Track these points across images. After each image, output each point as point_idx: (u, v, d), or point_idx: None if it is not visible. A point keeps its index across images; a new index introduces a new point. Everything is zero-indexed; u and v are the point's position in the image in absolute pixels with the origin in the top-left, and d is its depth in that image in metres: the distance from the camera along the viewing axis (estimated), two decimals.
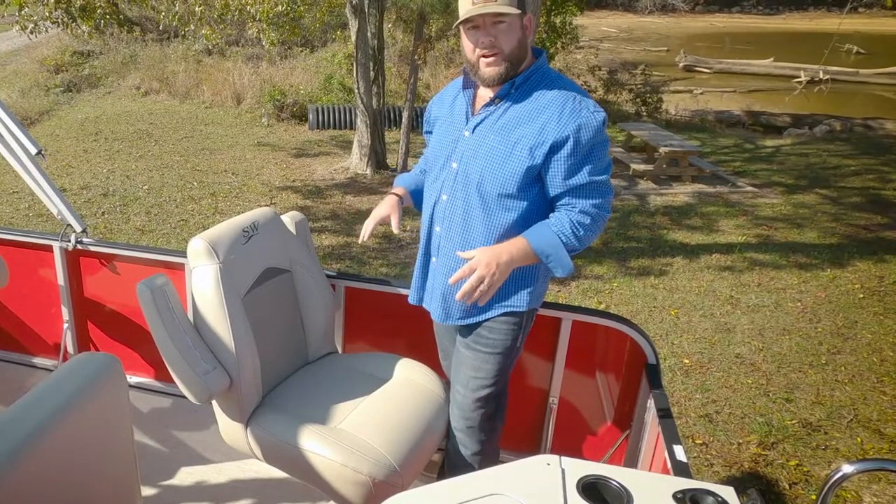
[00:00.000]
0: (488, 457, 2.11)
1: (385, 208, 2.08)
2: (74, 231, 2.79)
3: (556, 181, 1.80)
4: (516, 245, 1.81)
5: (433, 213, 1.98)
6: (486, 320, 1.95)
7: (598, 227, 1.83)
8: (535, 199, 1.85)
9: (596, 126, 1.77)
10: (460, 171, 1.88)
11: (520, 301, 1.93)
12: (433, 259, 2.02)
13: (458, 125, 1.93)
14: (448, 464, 2.18)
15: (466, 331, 2.00)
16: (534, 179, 1.81)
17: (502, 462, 1.30)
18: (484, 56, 1.78)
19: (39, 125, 10.41)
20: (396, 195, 2.12)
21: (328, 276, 2.48)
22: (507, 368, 2.02)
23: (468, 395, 2.02)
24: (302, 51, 14.45)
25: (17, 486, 1.44)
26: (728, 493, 1.17)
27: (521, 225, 1.86)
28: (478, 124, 1.87)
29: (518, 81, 1.82)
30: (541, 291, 1.99)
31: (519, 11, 1.75)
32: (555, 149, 1.76)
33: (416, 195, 2.16)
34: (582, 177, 1.78)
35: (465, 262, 1.84)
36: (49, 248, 2.86)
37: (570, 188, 1.80)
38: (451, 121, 1.97)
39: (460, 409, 2.05)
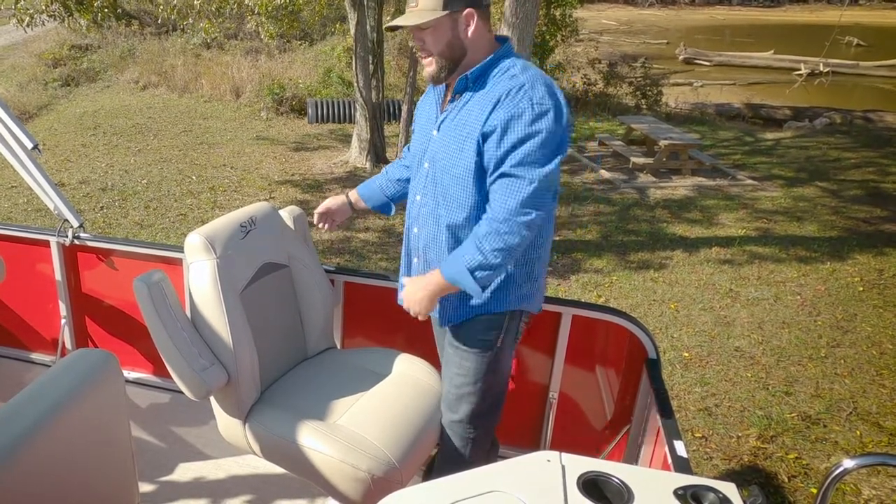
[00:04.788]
0: (479, 454, 2.08)
1: (329, 202, 2.28)
2: (71, 226, 2.78)
3: (488, 174, 1.75)
4: (432, 279, 1.81)
5: (410, 214, 1.99)
6: (467, 320, 1.93)
7: (509, 236, 1.68)
8: None
9: (532, 117, 1.65)
10: (430, 170, 1.87)
11: (495, 303, 1.88)
12: (414, 260, 2.03)
13: (430, 124, 1.92)
14: (440, 459, 2.16)
15: (453, 329, 1.99)
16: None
17: (502, 458, 1.29)
18: (422, 56, 1.80)
19: (38, 119, 10.38)
20: (347, 198, 2.29)
21: (327, 271, 2.47)
22: (492, 367, 1.96)
23: (452, 392, 2.01)
24: (301, 44, 14.40)
25: (14, 481, 1.44)
26: (729, 489, 1.17)
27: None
28: (442, 122, 1.86)
29: (474, 74, 1.78)
30: (525, 294, 1.91)
31: (443, 13, 1.71)
32: (486, 137, 1.71)
33: (371, 200, 2.29)
34: (504, 168, 1.68)
35: (437, 265, 1.89)
36: (46, 244, 2.85)
37: (491, 182, 1.73)
38: (425, 120, 1.96)
39: (447, 405, 2.05)
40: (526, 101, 1.67)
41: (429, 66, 1.80)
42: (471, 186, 1.78)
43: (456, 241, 1.86)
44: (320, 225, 2.28)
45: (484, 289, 1.80)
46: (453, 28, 1.75)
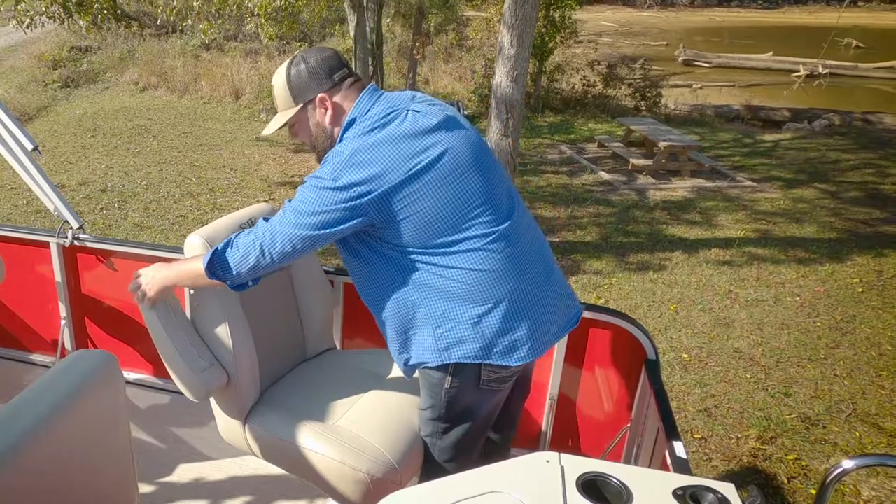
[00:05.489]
0: (459, 466, 1.98)
1: None
2: (71, 227, 2.78)
3: None
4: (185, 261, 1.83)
5: None
6: (417, 366, 1.87)
7: (248, 246, 1.70)
8: (364, 255, 1.82)
9: (312, 176, 1.67)
10: None
11: (424, 355, 1.78)
12: None
13: None
14: (423, 467, 2.12)
15: None
16: (345, 237, 1.77)
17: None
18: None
19: (37, 121, 10.38)
20: None
21: (326, 272, 2.47)
22: (450, 409, 1.86)
23: (419, 410, 1.96)
24: (300, 45, 14.40)
25: (13, 483, 1.44)
26: (728, 489, 1.17)
27: (371, 277, 1.83)
28: None
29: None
30: (470, 349, 1.72)
31: (297, 108, 1.76)
32: None
33: None
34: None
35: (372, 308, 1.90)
36: (46, 245, 2.85)
37: None
38: None
39: (418, 419, 1.99)
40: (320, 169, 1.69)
41: (314, 154, 1.86)
42: (347, 249, 1.83)
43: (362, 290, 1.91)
44: None
45: (210, 271, 1.73)
46: (310, 117, 1.77)
